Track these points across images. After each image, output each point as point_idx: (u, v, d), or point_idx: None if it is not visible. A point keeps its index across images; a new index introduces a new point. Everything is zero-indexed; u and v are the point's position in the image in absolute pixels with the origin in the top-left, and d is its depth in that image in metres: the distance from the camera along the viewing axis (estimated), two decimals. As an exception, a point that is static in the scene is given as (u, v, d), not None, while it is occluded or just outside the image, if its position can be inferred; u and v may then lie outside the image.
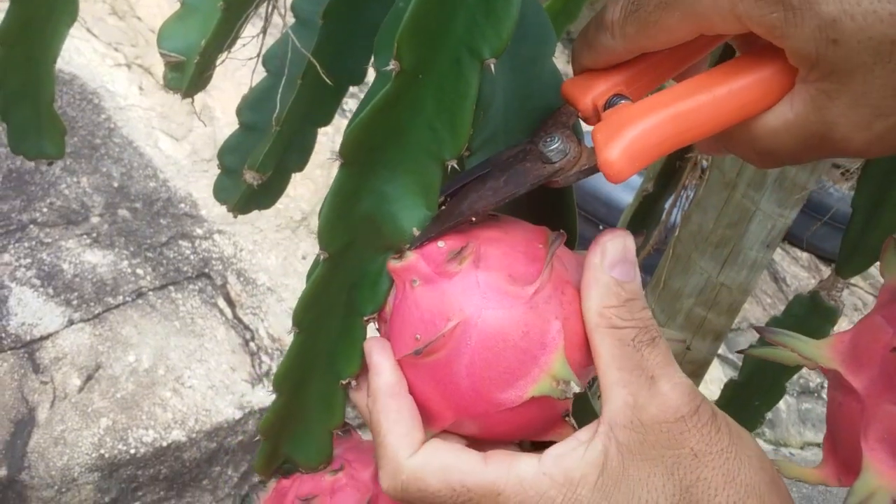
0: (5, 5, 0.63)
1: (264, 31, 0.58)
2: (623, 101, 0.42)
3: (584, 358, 0.42)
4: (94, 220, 2.11)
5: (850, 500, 0.42)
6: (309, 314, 0.48)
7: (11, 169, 2.09)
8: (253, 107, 0.67)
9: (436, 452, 0.42)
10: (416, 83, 0.41)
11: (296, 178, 0.69)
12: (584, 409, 0.48)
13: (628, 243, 0.43)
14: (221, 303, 2.12)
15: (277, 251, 2.35)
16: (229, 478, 1.88)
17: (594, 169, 0.42)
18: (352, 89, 0.62)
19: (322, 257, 0.45)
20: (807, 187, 1.03)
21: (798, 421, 2.98)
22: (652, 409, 0.39)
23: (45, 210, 2.06)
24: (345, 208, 0.44)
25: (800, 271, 3.74)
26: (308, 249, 2.40)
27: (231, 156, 0.69)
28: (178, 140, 2.49)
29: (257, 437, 0.55)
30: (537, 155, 0.44)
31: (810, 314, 0.88)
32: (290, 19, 0.61)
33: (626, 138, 0.39)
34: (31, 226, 2.01)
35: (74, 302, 1.90)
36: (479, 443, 0.43)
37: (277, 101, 0.58)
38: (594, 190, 3.02)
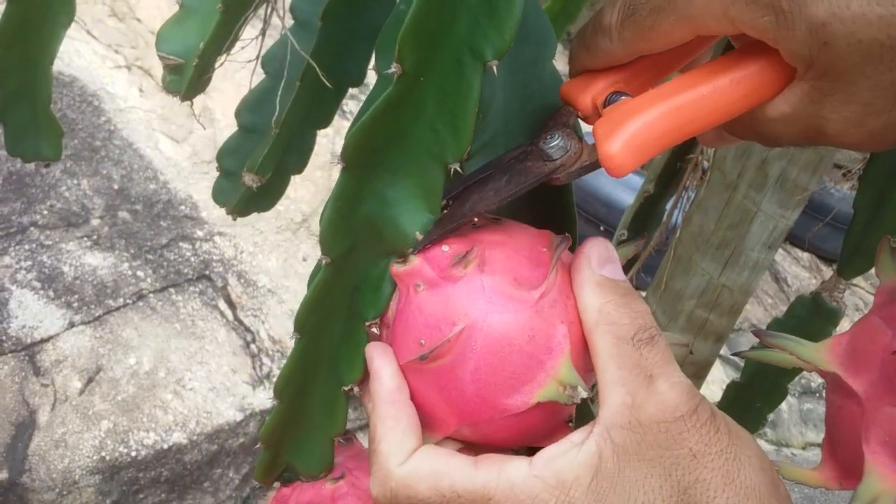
0: (1, 7, 0.63)
1: (263, 32, 0.58)
2: (623, 98, 0.42)
3: (588, 363, 0.41)
4: (95, 222, 2.11)
5: (854, 505, 0.42)
6: (311, 319, 0.47)
7: (12, 171, 2.09)
8: (252, 109, 0.66)
9: (426, 458, 0.41)
10: (417, 85, 0.41)
11: (296, 180, 0.68)
12: (583, 415, 0.48)
13: (609, 246, 0.43)
14: (222, 305, 2.11)
15: (278, 253, 2.35)
16: (230, 480, 1.88)
17: (595, 164, 0.42)
18: (351, 91, 0.62)
19: (324, 262, 0.45)
20: (808, 188, 1.03)
21: (800, 421, 2.98)
22: (650, 408, 0.38)
23: (45, 212, 2.06)
24: (347, 212, 0.44)
25: (801, 272, 3.74)
26: (309, 251, 2.40)
27: (230, 158, 0.69)
28: (179, 142, 2.49)
29: (258, 443, 0.55)
30: (538, 153, 0.44)
31: (812, 315, 0.88)
32: (289, 21, 0.61)
33: (628, 132, 0.39)
34: (32, 228, 2.01)
35: (75, 304, 1.90)
36: (477, 449, 0.43)
37: (276, 103, 0.58)
38: (595, 190, 3.02)
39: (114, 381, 1.80)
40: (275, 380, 0.51)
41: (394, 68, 0.39)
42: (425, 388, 0.43)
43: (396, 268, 0.44)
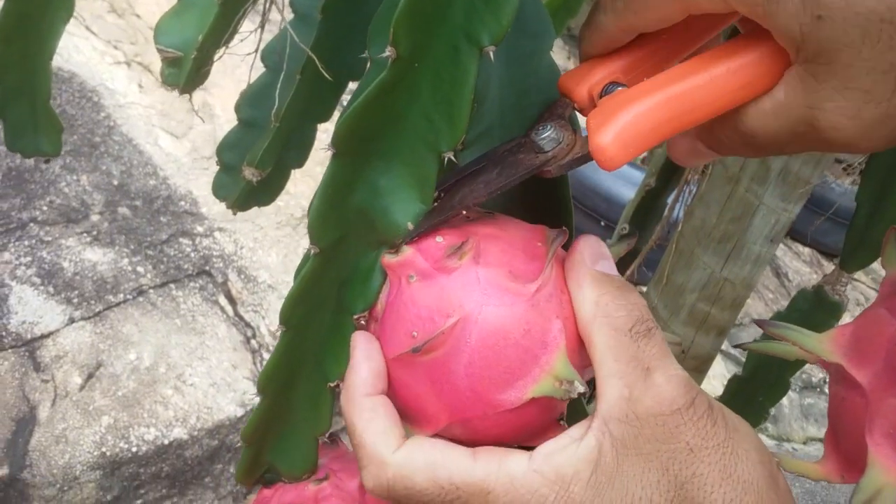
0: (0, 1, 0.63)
1: (262, 25, 0.58)
2: (619, 88, 0.41)
3: (583, 360, 0.41)
4: (95, 218, 2.11)
5: (857, 498, 0.41)
6: (297, 312, 0.46)
7: (11, 167, 2.09)
8: (252, 103, 0.66)
9: (421, 448, 0.40)
10: (412, 71, 0.40)
11: (296, 175, 0.68)
12: (575, 413, 0.47)
13: (601, 243, 0.43)
14: (222, 300, 2.11)
15: (278, 248, 2.34)
16: (231, 475, 1.88)
17: (588, 157, 0.41)
18: (351, 85, 0.62)
19: (312, 252, 0.44)
20: (810, 181, 1.03)
21: (801, 416, 2.98)
22: (647, 401, 0.38)
23: (45, 208, 2.06)
24: (337, 201, 0.43)
25: (802, 266, 3.74)
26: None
27: (230, 152, 0.68)
28: (178, 138, 2.49)
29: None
30: (530, 145, 0.43)
31: (814, 309, 0.88)
32: (289, 14, 0.60)
33: (619, 123, 0.38)
34: (32, 224, 2.01)
35: (75, 300, 1.90)
36: (466, 447, 0.42)
37: (276, 96, 0.57)
38: (595, 185, 3.01)
39: (114, 376, 1.80)
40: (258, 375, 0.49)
41: (388, 52, 0.38)
42: (416, 383, 0.42)
43: (388, 258, 0.43)
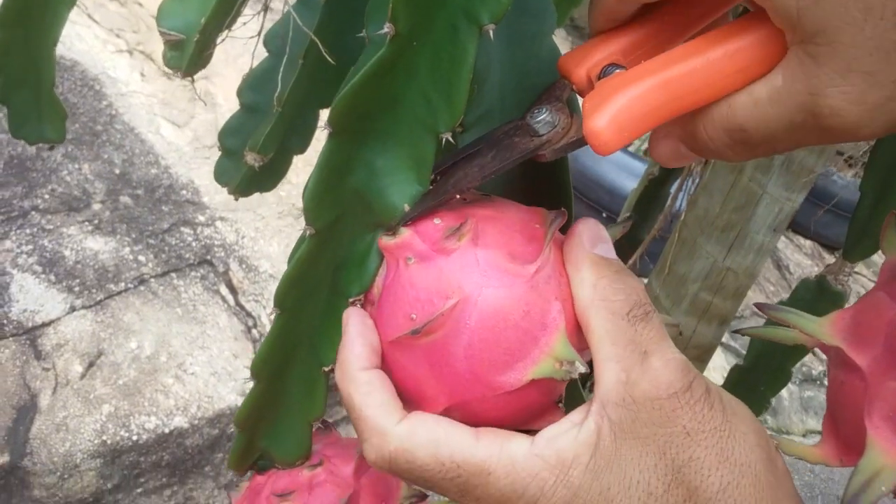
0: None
1: (265, 8, 0.57)
2: (617, 71, 0.40)
3: (581, 342, 0.40)
4: (96, 206, 2.11)
5: (856, 479, 0.41)
6: (292, 294, 0.45)
7: (13, 155, 2.09)
8: (254, 87, 0.66)
9: (424, 423, 0.40)
10: (410, 49, 0.39)
11: (297, 165, 0.68)
12: (573, 399, 0.47)
13: (600, 226, 0.42)
14: (223, 290, 2.11)
15: (279, 238, 2.34)
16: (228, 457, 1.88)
17: (582, 141, 0.41)
18: (354, 72, 0.61)
19: (308, 233, 0.43)
20: (814, 170, 1.02)
21: (800, 408, 2.98)
22: (644, 384, 0.38)
23: (46, 197, 2.06)
24: (333, 182, 0.42)
25: (803, 259, 3.73)
26: (310, 237, 2.39)
27: (232, 138, 0.68)
28: (180, 127, 2.49)
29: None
30: (526, 129, 0.43)
31: (817, 299, 0.88)
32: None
33: (614, 107, 0.37)
34: (33, 212, 2.01)
35: (76, 289, 1.90)
36: None
37: (279, 81, 0.57)
38: (597, 177, 3.00)
39: (115, 365, 1.80)
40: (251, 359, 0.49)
41: (387, 28, 0.37)
42: (414, 366, 0.41)
43: (386, 240, 0.43)
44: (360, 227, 0.44)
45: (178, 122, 2.50)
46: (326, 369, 0.47)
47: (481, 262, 0.40)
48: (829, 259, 3.82)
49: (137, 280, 1.99)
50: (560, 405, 0.42)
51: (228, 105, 2.53)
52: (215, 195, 2.31)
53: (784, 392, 2.89)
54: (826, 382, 0.48)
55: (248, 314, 2.09)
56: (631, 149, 3.13)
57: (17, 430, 1.63)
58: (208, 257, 2.16)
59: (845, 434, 0.46)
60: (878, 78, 0.32)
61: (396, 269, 0.42)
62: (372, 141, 0.42)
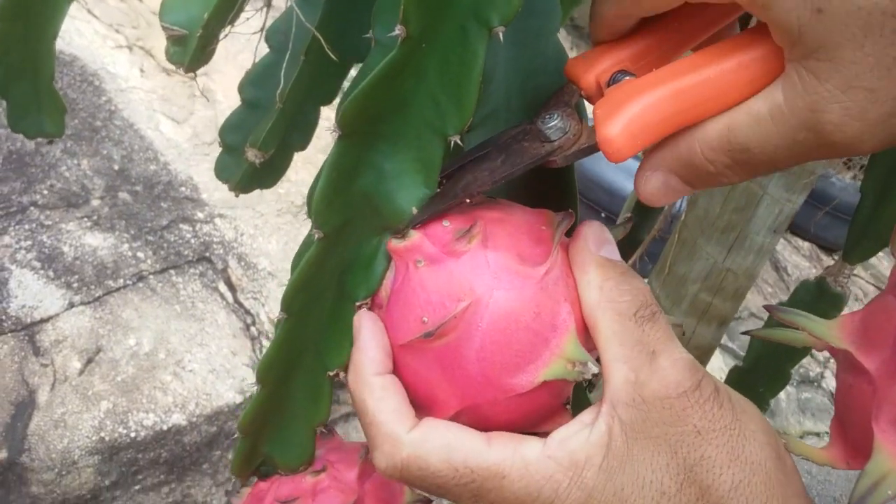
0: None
1: (268, 4, 0.57)
2: (627, 78, 0.40)
3: (587, 344, 0.40)
4: (95, 202, 2.11)
5: (862, 483, 0.41)
6: (299, 298, 0.45)
7: (12, 151, 2.08)
8: (255, 83, 0.66)
9: (436, 430, 0.40)
10: (420, 51, 0.38)
11: (297, 162, 0.68)
12: (578, 402, 0.47)
13: (604, 228, 0.42)
14: (222, 287, 2.11)
15: (278, 236, 2.34)
16: (230, 462, 1.87)
17: (594, 148, 0.40)
18: (355, 69, 0.61)
19: (316, 236, 0.42)
20: (815, 172, 1.02)
21: (798, 410, 2.98)
22: (653, 384, 0.38)
23: (45, 192, 2.06)
24: (342, 185, 0.42)
25: (801, 261, 3.74)
26: (309, 234, 2.39)
27: (233, 134, 0.68)
28: (180, 123, 2.48)
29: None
30: (536, 133, 0.43)
31: (816, 300, 0.88)
32: (294, -6, 0.60)
33: (628, 114, 0.37)
34: (32, 208, 2.01)
35: (75, 285, 1.90)
36: None
37: (281, 77, 0.57)
38: (597, 177, 3.00)
39: (113, 361, 1.80)
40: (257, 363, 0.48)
41: (398, 30, 0.37)
42: (425, 369, 0.41)
43: (395, 243, 0.42)
44: (368, 230, 0.43)
45: (177, 118, 2.49)
46: (331, 374, 0.46)
47: (492, 265, 0.40)
48: (828, 261, 3.82)
49: (136, 277, 1.99)
50: (567, 407, 0.42)
51: (228, 102, 2.53)
52: (214, 192, 2.31)
53: (781, 394, 2.89)
54: (823, 384, 0.48)
55: (247, 311, 2.09)
56: (631, 149, 3.12)
57: (15, 426, 1.62)
58: (207, 254, 2.16)
59: (853, 437, 0.45)
60: (879, 94, 0.32)
61: (406, 272, 0.42)
62: (381, 144, 0.41)
